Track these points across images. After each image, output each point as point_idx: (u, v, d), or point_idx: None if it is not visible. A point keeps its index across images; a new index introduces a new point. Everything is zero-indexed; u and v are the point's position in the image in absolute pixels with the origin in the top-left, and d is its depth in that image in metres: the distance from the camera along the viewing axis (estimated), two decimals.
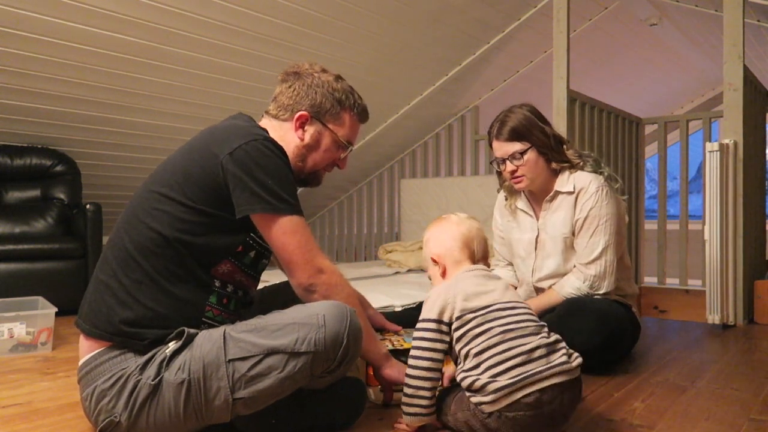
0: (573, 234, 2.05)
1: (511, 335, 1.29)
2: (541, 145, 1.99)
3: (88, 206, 3.26)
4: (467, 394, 1.30)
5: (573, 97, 3.15)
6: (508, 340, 1.28)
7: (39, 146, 3.57)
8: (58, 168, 3.55)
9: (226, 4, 3.04)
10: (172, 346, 1.25)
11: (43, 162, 3.52)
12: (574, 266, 2.04)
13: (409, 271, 4.09)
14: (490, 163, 2.12)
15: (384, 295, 2.79)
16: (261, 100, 3.89)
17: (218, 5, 3.04)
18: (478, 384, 1.27)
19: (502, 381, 1.25)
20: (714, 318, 2.83)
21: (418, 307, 2.69)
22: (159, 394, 1.22)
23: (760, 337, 2.66)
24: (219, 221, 1.31)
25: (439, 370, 1.37)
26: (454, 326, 1.35)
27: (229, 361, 1.22)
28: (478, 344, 1.30)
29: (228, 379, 1.22)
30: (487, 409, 1.26)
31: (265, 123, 1.49)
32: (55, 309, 2.34)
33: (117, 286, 1.29)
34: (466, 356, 1.32)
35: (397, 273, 3.97)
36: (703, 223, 2.94)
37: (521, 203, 2.17)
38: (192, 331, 1.27)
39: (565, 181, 2.04)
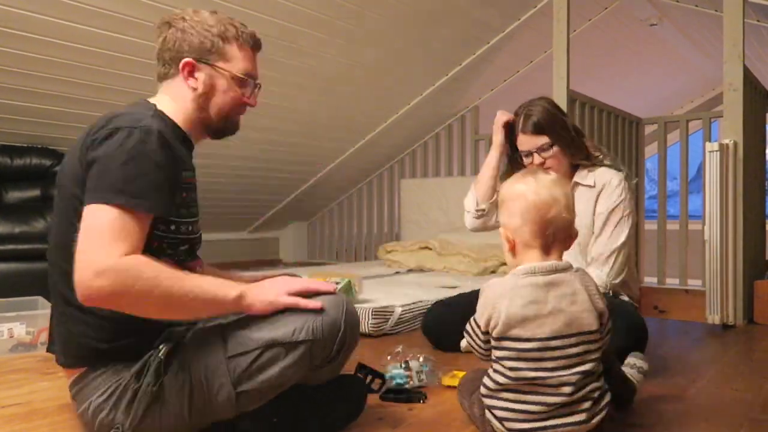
0: (591, 227, 2.06)
1: (539, 389, 1.20)
2: (564, 138, 2.02)
3: None
4: (482, 392, 1.29)
5: (573, 97, 3.15)
6: (533, 393, 1.21)
7: (39, 146, 3.56)
8: (58, 168, 3.54)
9: (226, 4, 3.04)
10: (164, 348, 1.22)
11: (43, 162, 3.52)
12: (591, 258, 2.05)
13: (410, 271, 4.09)
14: (518, 156, 2.10)
15: (384, 295, 2.79)
16: (260, 100, 3.88)
17: (219, 6, 3.04)
18: (497, 407, 1.25)
19: (516, 425, 1.22)
20: (714, 318, 2.83)
21: (418, 307, 2.70)
22: (162, 399, 1.21)
23: (760, 337, 2.66)
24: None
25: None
26: (494, 335, 1.25)
27: (230, 357, 1.22)
28: (507, 371, 1.23)
29: (230, 376, 1.22)
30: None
31: (160, 91, 1.36)
32: None
33: (78, 313, 1.21)
34: (495, 370, 1.27)
35: (397, 273, 3.97)
36: (703, 223, 2.94)
37: None
38: (179, 329, 1.26)
39: (585, 175, 2.07)
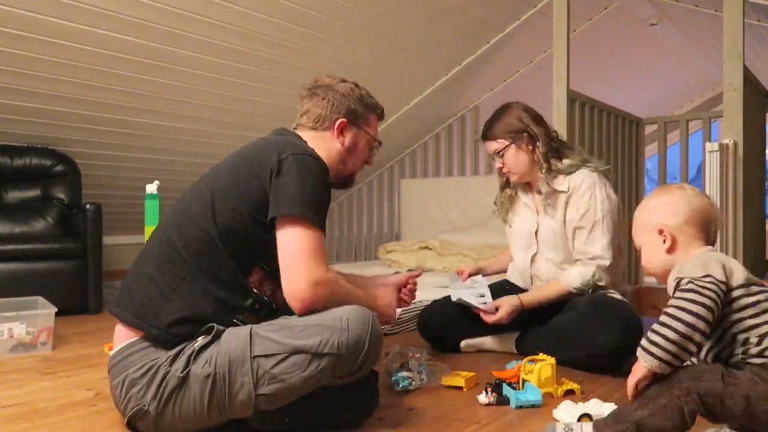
0: (567, 232, 2.08)
1: None
2: (518, 143, 2.08)
3: (88, 206, 3.25)
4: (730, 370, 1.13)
5: (573, 97, 3.15)
6: None
7: (39, 146, 3.56)
8: (58, 168, 3.55)
9: (226, 4, 3.04)
10: (201, 340, 1.30)
11: (43, 162, 3.52)
12: (576, 260, 2.08)
13: (409, 271, 4.09)
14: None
15: None
16: (261, 100, 3.89)
17: (219, 6, 3.04)
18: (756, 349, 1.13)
19: None
20: None
21: (418, 307, 2.69)
22: (186, 387, 1.27)
23: None
24: (260, 227, 1.37)
25: (704, 334, 1.12)
26: (735, 294, 1.18)
27: (254, 357, 1.27)
28: (764, 320, 1.14)
29: (252, 375, 1.27)
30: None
31: (304, 136, 1.57)
32: (55, 309, 2.34)
33: (161, 279, 1.35)
34: (744, 330, 1.16)
35: (397, 273, 3.96)
36: None
37: (526, 198, 2.24)
38: (220, 327, 1.32)
39: (561, 180, 2.09)
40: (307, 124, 1.59)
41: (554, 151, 2.10)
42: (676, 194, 1.32)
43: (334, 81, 1.62)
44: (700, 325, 1.11)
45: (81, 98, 3.29)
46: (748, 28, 3.39)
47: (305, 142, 1.52)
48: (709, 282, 1.15)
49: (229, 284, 1.37)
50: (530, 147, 2.08)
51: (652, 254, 1.34)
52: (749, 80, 3.07)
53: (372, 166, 1.71)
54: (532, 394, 1.59)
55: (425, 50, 4.16)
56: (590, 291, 2.05)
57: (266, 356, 1.27)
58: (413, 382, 1.74)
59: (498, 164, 2.14)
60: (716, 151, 2.84)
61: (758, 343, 1.14)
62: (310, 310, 1.33)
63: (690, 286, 1.15)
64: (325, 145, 1.56)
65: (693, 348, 1.12)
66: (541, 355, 1.71)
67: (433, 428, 1.45)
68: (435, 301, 2.36)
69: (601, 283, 2.04)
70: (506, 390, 1.62)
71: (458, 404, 1.62)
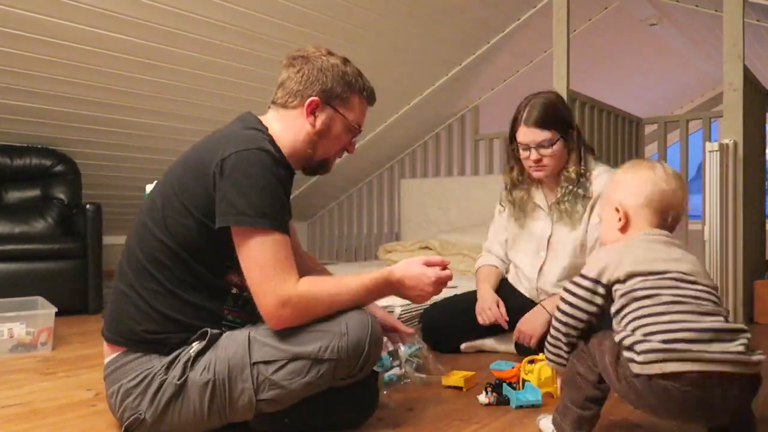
0: (589, 238, 1.98)
1: (682, 308, 1.11)
2: (566, 137, 1.96)
3: (88, 206, 3.26)
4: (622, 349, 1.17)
5: (573, 97, 3.15)
6: (677, 312, 1.11)
7: (39, 146, 3.56)
8: (58, 168, 3.55)
9: (226, 4, 3.04)
10: (196, 346, 1.28)
11: (43, 162, 3.52)
12: None
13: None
14: (510, 152, 2.06)
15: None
16: (261, 101, 3.86)
17: (219, 5, 3.04)
18: (629, 341, 1.13)
19: (657, 344, 1.09)
20: None
21: (417, 307, 2.69)
22: (184, 394, 1.26)
23: (760, 337, 2.65)
24: (215, 234, 1.27)
25: (582, 331, 1.24)
26: (615, 288, 1.19)
27: (254, 363, 1.26)
28: (639, 308, 1.14)
29: (252, 381, 1.25)
30: (637, 369, 1.10)
31: (271, 115, 1.44)
32: (55, 309, 2.34)
33: (135, 297, 1.31)
34: (622, 319, 1.17)
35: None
36: (703, 223, 2.94)
37: (539, 198, 2.11)
38: (215, 331, 1.30)
39: (586, 184, 1.99)
40: (280, 99, 1.43)
41: (585, 159, 2.01)
42: (642, 174, 1.30)
43: (319, 53, 1.43)
44: (563, 329, 1.25)
45: (81, 98, 3.29)
46: (748, 28, 3.39)
47: (263, 127, 1.37)
48: (576, 283, 1.24)
49: (205, 289, 1.32)
50: (573, 144, 1.98)
51: (606, 229, 1.35)
52: (749, 80, 3.07)
53: (353, 153, 1.52)
54: (531, 394, 1.59)
55: (425, 50, 4.16)
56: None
57: (266, 362, 1.26)
58: (403, 370, 1.74)
59: (536, 156, 1.94)
60: (716, 151, 2.84)
61: (628, 329, 1.16)
62: (287, 327, 1.27)
63: (568, 286, 1.26)
64: (293, 125, 1.40)
65: (564, 347, 1.25)
66: (541, 355, 1.71)
67: (433, 428, 1.45)
68: (435, 303, 2.34)
69: None
70: (506, 390, 1.62)
71: (458, 404, 1.62)
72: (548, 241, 2.06)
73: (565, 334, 1.25)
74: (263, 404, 1.27)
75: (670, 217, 1.29)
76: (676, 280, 1.16)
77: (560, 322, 1.25)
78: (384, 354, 1.73)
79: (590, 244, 1.98)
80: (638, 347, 1.10)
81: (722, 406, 1.09)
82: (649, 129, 4.28)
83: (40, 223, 3.36)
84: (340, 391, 1.37)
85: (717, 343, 1.09)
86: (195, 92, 3.57)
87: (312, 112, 1.40)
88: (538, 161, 1.95)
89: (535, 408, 1.56)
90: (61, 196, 3.52)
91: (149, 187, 2.68)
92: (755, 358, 1.11)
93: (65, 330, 2.69)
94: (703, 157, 2.95)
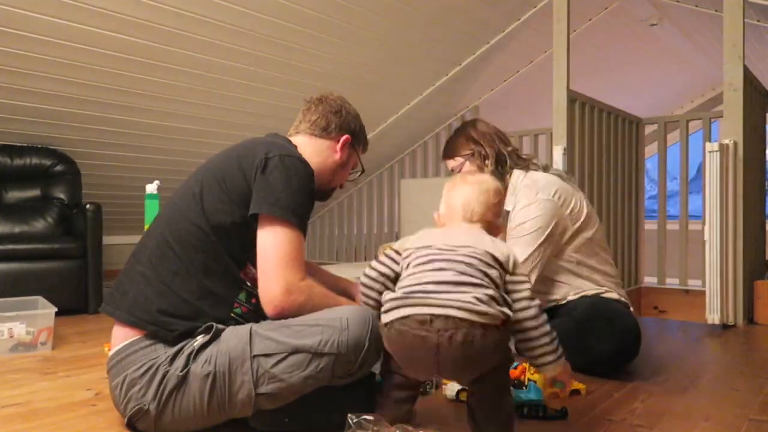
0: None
1: (428, 267, 1.23)
2: (473, 159, 2.09)
3: (88, 206, 3.26)
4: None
5: (573, 97, 3.15)
6: (424, 271, 1.23)
7: (39, 146, 3.56)
8: (58, 168, 3.55)
9: (226, 4, 3.04)
10: (200, 339, 1.31)
11: (43, 162, 3.52)
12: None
13: None
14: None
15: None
16: (261, 101, 3.89)
17: (219, 5, 3.04)
18: (384, 297, 1.25)
19: (398, 293, 1.22)
20: (714, 318, 2.83)
21: None
22: (186, 386, 1.28)
23: (760, 337, 2.66)
24: (246, 222, 1.37)
25: (375, 291, 1.34)
26: (401, 262, 1.32)
27: (254, 356, 1.28)
28: (404, 274, 1.27)
29: (252, 374, 1.27)
30: (383, 319, 1.22)
31: (301, 140, 1.60)
32: (55, 309, 2.34)
33: (153, 276, 1.36)
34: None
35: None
36: (703, 223, 2.94)
37: None
38: (220, 326, 1.33)
39: (509, 199, 2.06)
40: (310, 130, 1.60)
41: (504, 168, 2.08)
42: (456, 185, 1.49)
43: (345, 101, 1.68)
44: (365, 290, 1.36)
45: (81, 98, 3.29)
46: (748, 28, 3.39)
47: (296, 147, 1.52)
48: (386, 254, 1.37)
49: (223, 278, 1.38)
50: (481, 163, 2.08)
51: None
52: (749, 80, 3.07)
53: (343, 189, 1.80)
54: (534, 393, 1.59)
55: (425, 50, 4.16)
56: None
57: (266, 355, 1.28)
58: None
59: None
60: (716, 151, 2.85)
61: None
62: (282, 317, 1.33)
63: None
64: (322, 153, 1.59)
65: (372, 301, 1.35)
66: None
67: (433, 428, 1.45)
68: None
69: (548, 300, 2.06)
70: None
71: (458, 404, 1.62)
72: None
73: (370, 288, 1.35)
74: (262, 399, 1.28)
75: (471, 211, 1.41)
76: (439, 250, 1.26)
77: (368, 277, 1.36)
78: None
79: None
80: (385, 298, 1.23)
81: (448, 351, 1.14)
82: (649, 129, 4.28)
83: (40, 222, 3.36)
84: (339, 390, 1.37)
85: (450, 294, 1.17)
86: (195, 92, 3.57)
87: (343, 146, 1.62)
88: None
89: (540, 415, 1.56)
90: (61, 195, 3.52)
91: (149, 187, 2.68)
92: (480, 307, 1.15)
93: (65, 330, 2.69)
94: (703, 158, 2.95)
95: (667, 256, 3.77)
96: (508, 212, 2.06)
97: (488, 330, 1.15)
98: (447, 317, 1.14)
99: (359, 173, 1.74)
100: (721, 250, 2.84)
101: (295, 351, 1.28)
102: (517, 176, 2.08)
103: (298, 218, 1.36)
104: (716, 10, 3.98)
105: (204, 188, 1.41)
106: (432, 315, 1.15)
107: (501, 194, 1.45)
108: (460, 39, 4.22)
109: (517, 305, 1.24)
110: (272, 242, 1.34)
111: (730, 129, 2.92)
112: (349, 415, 1.20)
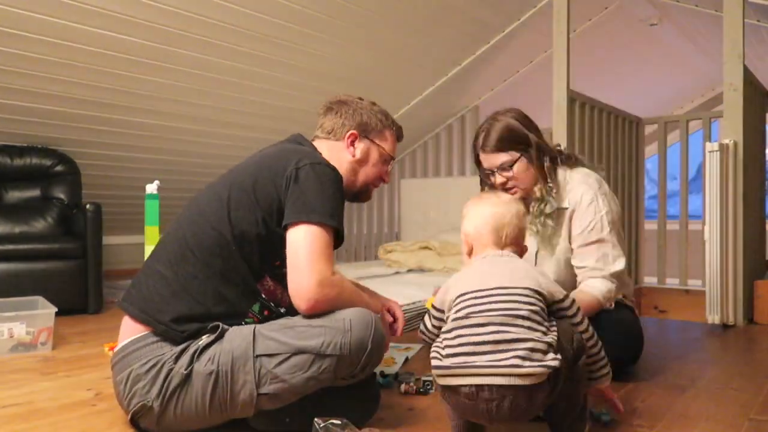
0: (571, 251, 1.96)
1: (466, 323, 1.21)
2: (530, 154, 1.89)
3: (88, 206, 3.25)
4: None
5: (573, 97, 3.15)
6: (460, 327, 1.22)
7: (39, 146, 3.56)
8: (58, 168, 3.55)
9: (226, 4, 3.04)
10: (205, 338, 1.31)
11: (43, 162, 3.52)
12: (590, 276, 1.91)
13: (409, 271, 4.09)
14: (481, 176, 2.01)
15: (383, 294, 2.78)
16: (261, 101, 3.89)
17: (219, 5, 3.04)
18: (432, 354, 1.25)
19: (445, 362, 1.20)
20: (714, 318, 2.83)
21: (418, 307, 2.70)
22: (189, 384, 1.29)
23: (760, 337, 2.66)
24: (273, 234, 1.38)
25: (435, 335, 1.37)
26: (449, 312, 1.30)
27: (257, 356, 1.28)
28: (445, 329, 1.27)
29: (254, 374, 1.28)
30: (439, 381, 1.23)
31: (319, 144, 1.61)
32: (55, 309, 2.34)
33: (172, 277, 1.37)
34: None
35: (397, 273, 3.97)
36: (703, 223, 2.94)
37: None
38: (225, 326, 1.33)
39: (562, 196, 1.95)
40: (324, 135, 1.63)
41: (555, 164, 1.96)
42: (477, 205, 1.47)
43: (350, 98, 1.68)
44: (427, 339, 1.40)
45: (81, 98, 3.29)
46: (748, 28, 3.39)
47: (320, 152, 1.54)
48: (429, 313, 1.39)
49: (240, 287, 1.38)
50: (539, 160, 1.90)
51: (464, 257, 1.49)
52: (749, 80, 3.07)
53: (388, 182, 1.73)
54: None
55: (425, 50, 4.16)
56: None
57: (269, 356, 1.28)
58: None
59: (501, 179, 1.91)
60: (716, 151, 2.84)
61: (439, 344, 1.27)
62: (315, 311, 1.32)
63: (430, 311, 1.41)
64: (338, 155, 1.60)
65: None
66: None
67: (432, 428, 1.45)
68: (435, 306, 2.33)
69: (619, 297, 1.96)
70: None
71: None
72: (536, 255, 2.02)
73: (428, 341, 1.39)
74: (264, 399, 1.29)
75: (504, 234, 1.40)
76: (475, 298, 1.25)
77: (425, 335, 1.41)
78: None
79: (581, 244, 1.93)
80: (433, 362, 1.23)
81: (497, 416, 1.16)
82: (649, 129, 4.28)
83: (40, 222, 3.36)
84: (341, 390, 1.37)
85: (490, 355, 1.16)
86: (195, 92, 3.57)
87: (352, 143, 1.61)
88: (504, 184, 1.92)
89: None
90: (61, 196, 3.52)
91: (149, 187, 2.68)
92: (526, 369, 1.14)
93: (65, 330, 2.69)
94: (703, 157, 2.95)
95: (667, 256, 3.77)
96: (564, 209, 1.94)
97: (534, 389, 1.15)
98: (491, 386, 1.15)
99: (391, 161, 1.70)
100: (721, 250, 2.83)
101: (298, 352, 1.28)
102: (563, 172, 1.96)
103: (336, 222, 1.37)
104: (716, 10, 3.98)
105: (232, 196, 1.41)
106: (476, 386, 1.15)
107: (525, 216, 1.45)
108: (460, 39, 4.22)
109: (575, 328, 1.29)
110: (304, 238, 1.33)
111: (730, 129, 2.92)
112: (316, 419, 1.21)
